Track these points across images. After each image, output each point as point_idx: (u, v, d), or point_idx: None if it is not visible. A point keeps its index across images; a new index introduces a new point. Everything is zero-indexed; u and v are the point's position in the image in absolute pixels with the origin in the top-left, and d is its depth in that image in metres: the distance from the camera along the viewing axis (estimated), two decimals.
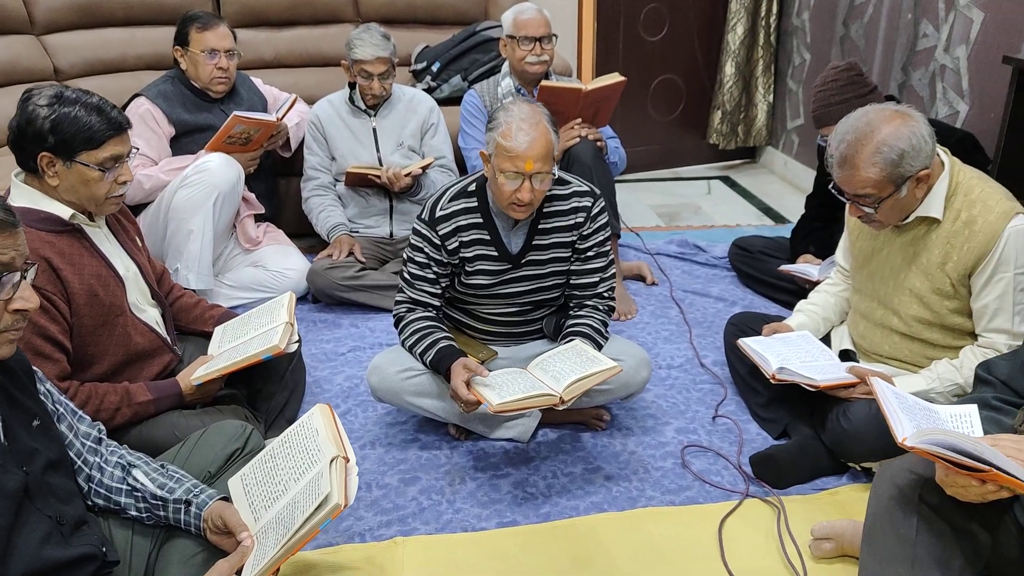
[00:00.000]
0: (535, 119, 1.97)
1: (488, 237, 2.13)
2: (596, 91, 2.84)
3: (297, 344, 2.09)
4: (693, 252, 3.42)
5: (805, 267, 2.78)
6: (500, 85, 3.17)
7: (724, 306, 2.98)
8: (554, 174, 2.02)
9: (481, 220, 2.12)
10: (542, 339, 2.32)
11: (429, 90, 3.60)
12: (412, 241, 2.16)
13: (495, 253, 2.14)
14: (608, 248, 2.21)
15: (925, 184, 1.93)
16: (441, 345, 2.07)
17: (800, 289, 2.87)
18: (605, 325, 2.19)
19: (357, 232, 3.13)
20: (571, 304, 2.23)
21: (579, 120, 2.92)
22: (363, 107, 3.08)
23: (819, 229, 2.99)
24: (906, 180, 1.88)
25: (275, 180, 3.37)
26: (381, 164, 3.08)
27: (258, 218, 3.12)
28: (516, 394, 1.86)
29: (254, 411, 2.15)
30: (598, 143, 2.94)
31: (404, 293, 2.19)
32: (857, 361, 2.20)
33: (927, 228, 1.98)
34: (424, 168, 3.02)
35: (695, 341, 2.73)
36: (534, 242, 2.15)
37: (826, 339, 2.32)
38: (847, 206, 2.22)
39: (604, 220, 2.17)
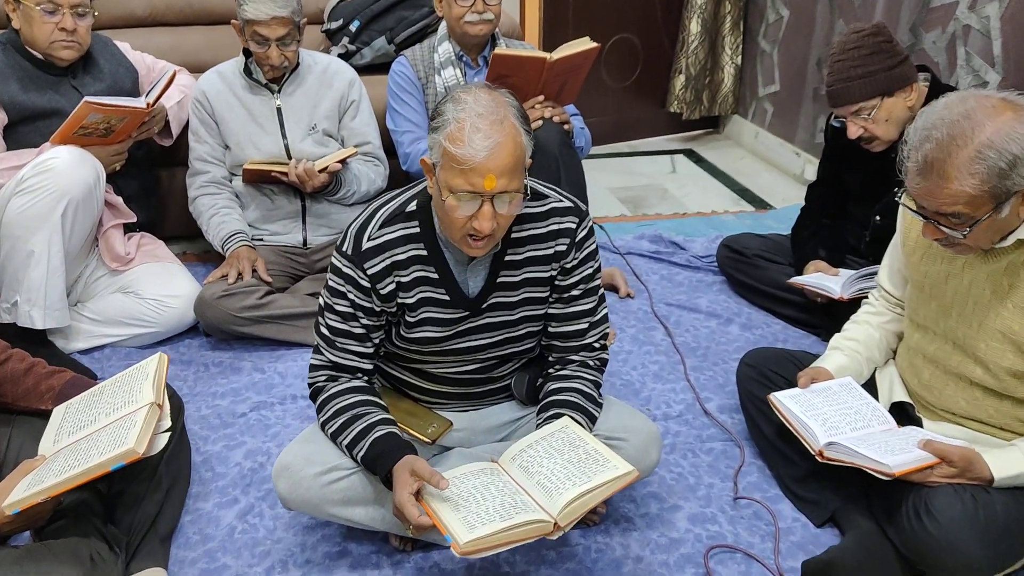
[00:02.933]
0: (498, 114, 1.36)
1: (436, 276, 1.53)
2: (563, 60, 2.24)
3: (167, 433, 1.47)
4: (670, 251, 2.88)
5: (821, 279, 2.27)
6: (436, 51, 2.53)
7: (718, 324, 2.45)
8: (526, 192, 1.43)
9: (426, 253, 1.52)
10: (510, 400, 1.75)
11: (347, 55, 2.92)
12: (331, 282, 1.55)
13: (446, 297, 1.55)
14: (598, 283, 1.64)
15: None
16: (378, 434, 1.48)
17: (811, 303, 2.37)
18: (598, 387, 1.64)
19: (261, 241, 2.47)
20: (551, 359, 1.66)
21: (541, 98, 2.32)
22: (263, 81, 2.40)
23: (827, 227, 2.48)
24: (1012, 196, 1.38)
25: (153, 175, 2.67)
26: (289, 155, 2.42)
27: (128, 228, 2.42)
28: (492, 521, 1.29)
29: (113, 527, 1.53)
30: (565, 126, 2.35)
31: (322, 355, 1.58)
32: (917, 418, 1.71)
33: None
34: (344, 160, 2.37)
35: (691, 376, 2.20)
36: (500, 280, 1.56)
37: (870, 383, 1.82)
38: (902, 218, 1.72)
39: (592, 246, 1.60)
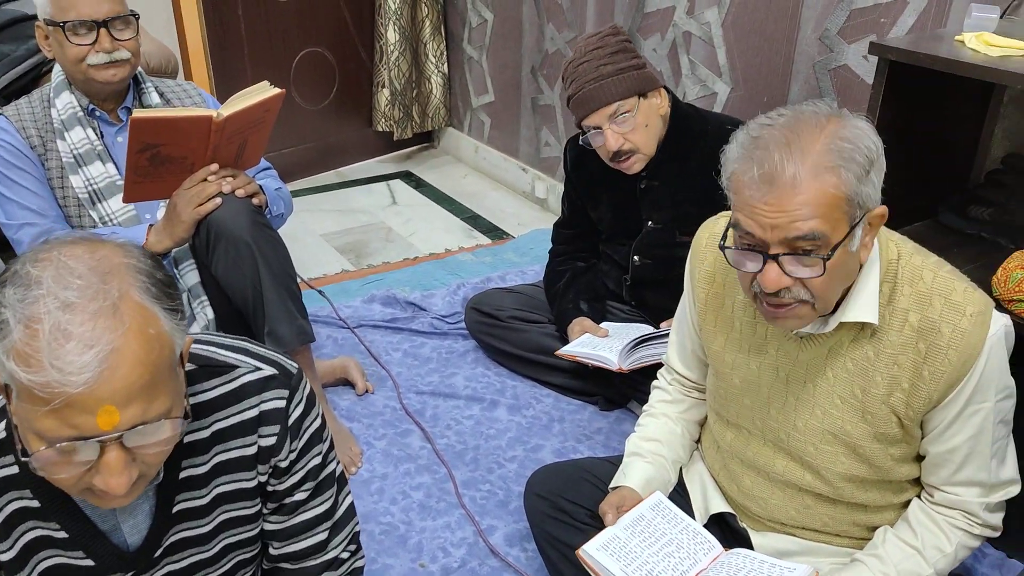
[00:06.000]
0: (107, 295, 0.76)
1: (65, 535, 0.93)
2: (239, 116, 1.65)
3: None
4: (408, 315, 2.42)
5: (593, 348, 1.93)
6: (54, 107, 1.83)
7: (482, 410, 2.04)
8: (184, 412, 0.86)
9: (38, 503, 0.91)
10: None
11: None
12: None
13: (89, 562, 0.95)
14: (332, 466, 1.12)
15: (874, 236, 1.16)
16: None
17: (581, 367, 2.04)
18: None
19: None
20: None
21: (214, 167, 1.72)
22: None
23: (582, 272, 2.17)
24: (863, 216, 1.10)
25: None
26: None
27: None
28: None
29: None
30: (254, 199, 1.77)
31: None
32: (741, 530, 1.42)
33: (853, 338, 1.22)
34: None
35: (466, 499, 1.76)
36: (177, 509, 0.99)
37: (680, 486, 1.51)
38: (692, 293, 1.42)
39: (316, 422, 1.07)
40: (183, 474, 0.98)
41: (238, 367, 1.01)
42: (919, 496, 1.31)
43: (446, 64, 3.63)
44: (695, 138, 1.90)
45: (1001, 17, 1.61)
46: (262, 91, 1.70)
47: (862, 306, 1.18)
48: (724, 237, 1.16)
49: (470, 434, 1.95)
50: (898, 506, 1.33)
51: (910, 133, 1.60)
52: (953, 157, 1.81)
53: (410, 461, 1.86)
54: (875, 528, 1.33)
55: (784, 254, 1.09)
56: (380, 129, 3.62)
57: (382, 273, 2.71)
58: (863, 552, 1.31)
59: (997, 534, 1.29)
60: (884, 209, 1.12)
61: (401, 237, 3.03)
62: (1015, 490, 1.26)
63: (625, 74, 1.81)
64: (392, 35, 3.43)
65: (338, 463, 1.14)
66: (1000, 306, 1.50)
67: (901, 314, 1.18)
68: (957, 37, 1.53)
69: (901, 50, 1.46)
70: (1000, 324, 1.16)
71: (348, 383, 2.11)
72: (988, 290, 1.48)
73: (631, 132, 1.82)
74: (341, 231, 3.06)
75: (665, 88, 1.90)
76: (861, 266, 1.17)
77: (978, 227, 1.72)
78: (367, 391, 2.09)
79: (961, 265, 1.24)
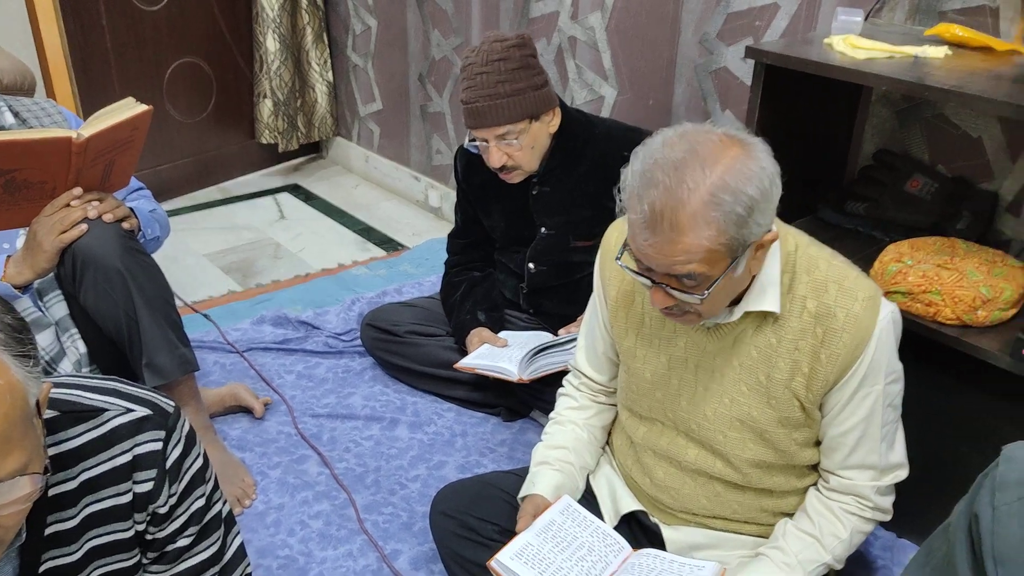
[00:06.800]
0: None
1: None
2: (102, 136, 1.54)
3: None
4: (301, 335, 2.33)
5: (492, 359, 1.90)
6: None
7: (382, 430, 1.98)
8: (44, 467, 0.79)
9: None
10: None
11: None
12: None
13: None
14: (219, 506, 1.05)
15: (765, 252, 1.19)
16: None
17: (480, 379, 2.01)
18: None
19: None
20: None
21: (78, 192, 1.59)
22: None
23: (479, 282, 2.14)
24: (748, 247, 1.12)
25: None
26: None
27: None
28: None
29: None
30: (124, 224, 1.66)
31: None
32: (652, 525, 1.42)
33: (756, 326, 1.25)
34: None
35: (367, 523, 1.70)
36: (46, 568, 0.91)
37: (587, 491, 1.50)
38: (603, 295, 1.43)
39: (198, 462, 1.00)
40: (49, 530, 0.90)
41: (106, 410, 0.93)
42: (816, 486, 1.35)
43: (331, 72, 3.54)
44: (584, 143, 1.91)
45: (865, 20, 1.68)
46: (128, 108, 1.59)
47: (765, 296, 1.21)
48: (621, 253, 1.18)
49: (370, 455, 1.89)
50: (801, 491, 1.36)
51: (788, 133, 1.64)
52: (829, 154, 1.87)
53: (307, 488, 1.78)
54: (780, 514, 1.36)
55: (667, 286, 1.13)
56: (264, 141, 3.49)
57: (272, 292, 2.60)
58: (766, 546, 1.34)
59: (888, 518, 1.33)
60: (774, 234, 1.15)
61: (291, 253, 2.93)
62: (903, 474, 1.32)
63: (521, 96, 1.77)
64: (272, 43, 3.32)
65: (225, 503, 1.07)
66: None
67: (800, 301, 1.22)
68: (826, 40, 1.58)
69: (775, 54, 1.50)
70: (888, 310, 1.22)
71: (240, 410, 2.01)
72: None
73: (516, 151, 1.81)
74: (226, 250, 2.93)
75: (560, 101, 1.89)
76: (754, 276, 1.20)
77: (855, 222, 1.78)
78: (267, 404, 2.00)
79: None
